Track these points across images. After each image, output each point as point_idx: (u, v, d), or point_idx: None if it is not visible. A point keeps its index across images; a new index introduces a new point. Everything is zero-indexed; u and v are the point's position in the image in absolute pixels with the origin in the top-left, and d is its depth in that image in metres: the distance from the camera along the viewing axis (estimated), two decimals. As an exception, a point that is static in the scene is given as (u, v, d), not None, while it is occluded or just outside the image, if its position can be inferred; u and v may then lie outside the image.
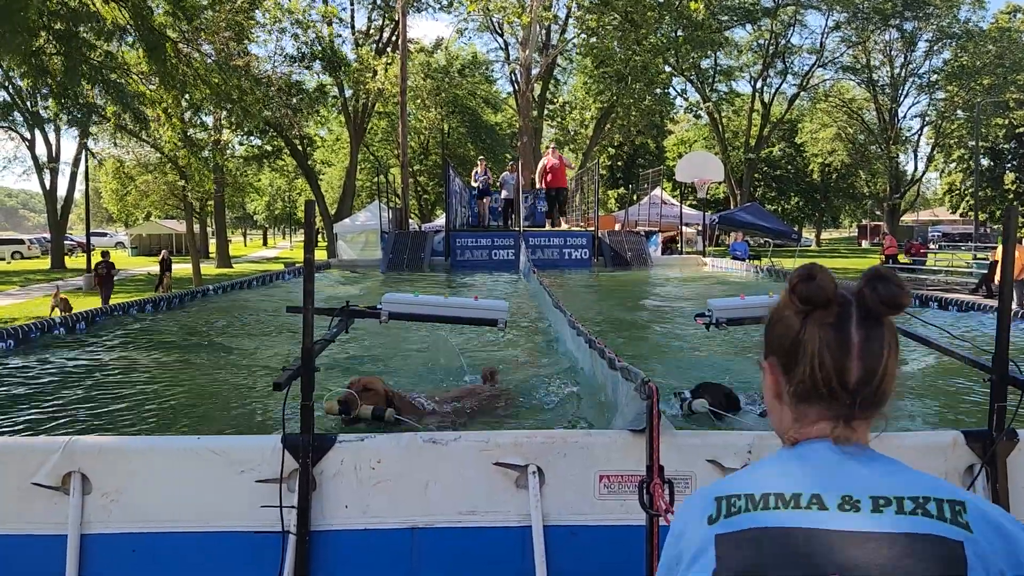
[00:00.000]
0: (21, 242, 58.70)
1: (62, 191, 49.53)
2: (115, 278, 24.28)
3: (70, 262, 47.19)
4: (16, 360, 5.96)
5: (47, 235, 51.92)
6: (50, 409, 4.66)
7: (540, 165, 21.69)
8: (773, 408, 1.30)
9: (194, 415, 4.62)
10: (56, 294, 21.11)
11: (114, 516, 2.75)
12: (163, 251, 29.53)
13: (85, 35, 17.15)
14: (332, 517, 2.77)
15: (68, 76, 16.80)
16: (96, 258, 25.69)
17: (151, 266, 35.53)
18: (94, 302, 20.73)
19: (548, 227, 21.28)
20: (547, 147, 25.47)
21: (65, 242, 50.29)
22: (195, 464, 2.79)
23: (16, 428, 4.29)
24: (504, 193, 22.38)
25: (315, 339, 2.89)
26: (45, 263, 46.68)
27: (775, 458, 1.24)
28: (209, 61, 21.51)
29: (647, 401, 2.69)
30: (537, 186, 22.29)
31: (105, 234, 73.64)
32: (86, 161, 33.65)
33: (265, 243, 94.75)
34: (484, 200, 22.73)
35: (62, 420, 4.45)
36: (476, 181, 22.82)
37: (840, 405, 1.18)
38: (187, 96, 22.30)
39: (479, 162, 24.13)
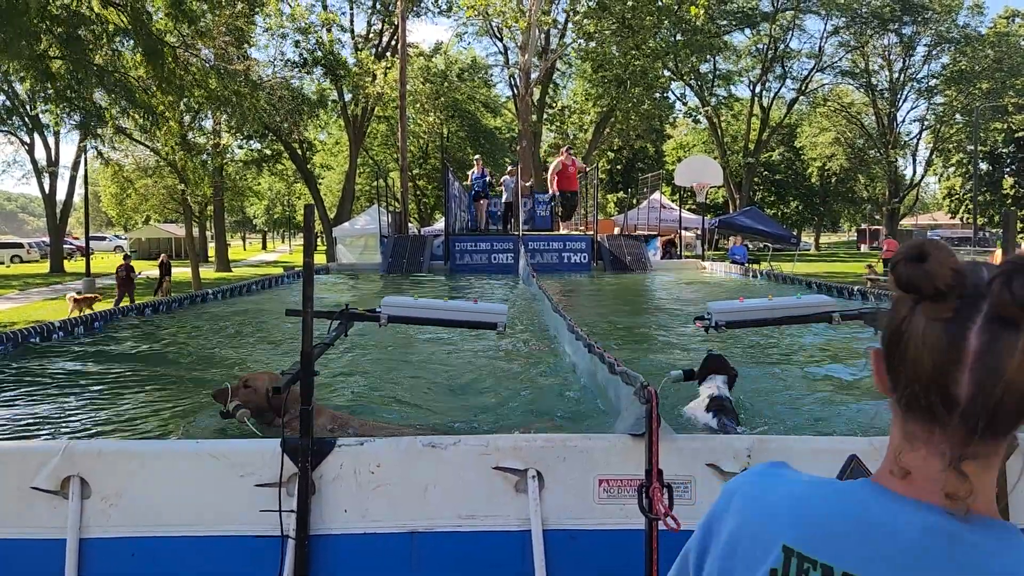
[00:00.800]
0: (20, 246, 58.62)
1: (61, 195, 49.57)
2: (134, 280, 24.54)
3: (69, 266, 47.15)
4: (15, 363, 5.96)
5: (46, 239, 51.87)
6: (49, 413, 4.66)
7: (553, 165, 21.44)
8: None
9: (193, 419, 4.61)
10: (71, 298, 21.38)
11: (113, 520, 2.75)
12: (162, 255, 29.51)
13: (86, 38, 17.16)
14: (331, 521, 2.77)
15: (76, 78, 16.83)
16: (115, 260, 25.94)
17: (151, 270, 35.52)
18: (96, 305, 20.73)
19: (564, 230, 21.26)
20: (561, 149, 25.02)
21: (65, 246, 50.27)
22: (194, 468, 2.79)
23: (15, 432, 4.28)
24: (505, 196, 22.32)
25: (314, 343, 2.89)
26: (44, 267, 46.62)
27: (869, 497, 0.97)
28: (207, 65, 21.53)
29: (646, 405, 2.69)
30: (550, 188, 21.96)
31: (104, 238, 73.58)
32: (85, 165, 33.64)
33: (264, 247, 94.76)
34: (482, 202, 22.46)
35: (61, 424, 4.44)
36: (473, 181, 22.42)
37: (945, 428, 0.90)
38: (185, 99, 22.33)
39: (476, 161, 23.48)
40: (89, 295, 22.22)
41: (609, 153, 56.20)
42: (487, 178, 22.77)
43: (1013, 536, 0.92)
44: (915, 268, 0.91)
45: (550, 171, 21.62)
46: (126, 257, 24.82)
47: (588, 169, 22.90)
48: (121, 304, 19.41)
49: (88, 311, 15.26)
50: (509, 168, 23.52)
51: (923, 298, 0.91)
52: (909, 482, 0.95)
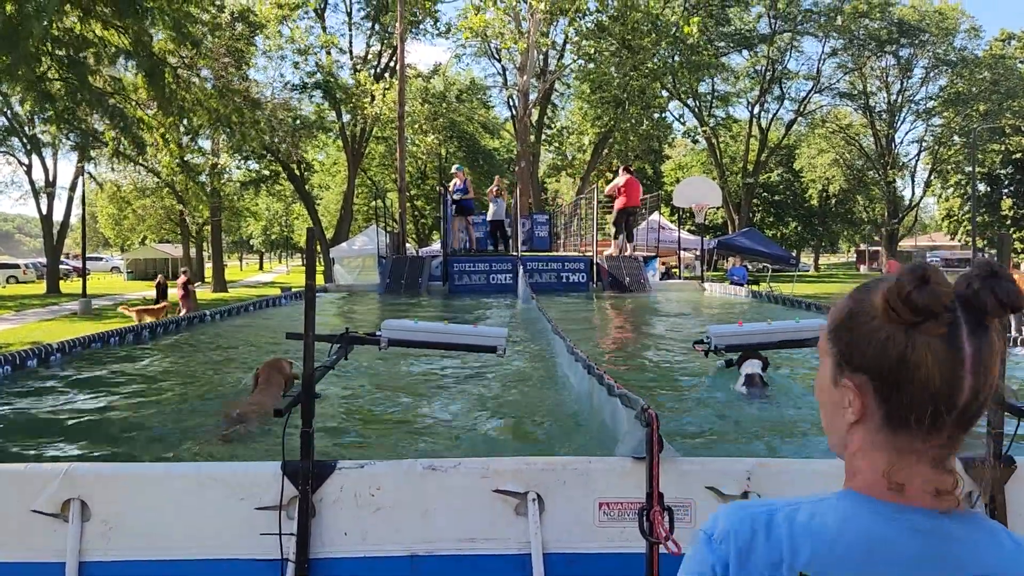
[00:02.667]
0: (16, 266, 58.46)
1: (58, 215, 49.54)
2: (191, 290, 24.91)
3: (65, 287, 46.99)
4: (16, 385, 5.95)
5: (43, 259, 51.72)
6: (50, 435, 4.65)
7: (623, 182, 20.08)
8: (838, 431, 1.10)
9: (193, 442, 4.60)
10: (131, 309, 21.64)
11: (113, 543, 2.74)
12: (159, 276, 29.50)
13: (87, 60, 17.26)
14: (331, 544, 2.77)
15: (71, 99, 16.94)
16: (112, 281, 26.14)
17: (147, 290, 35.50)
18: (87, 327, 20.71)
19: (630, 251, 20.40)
20: (621, 168, 23.32)
21: (61, 266, 50.18)
22: (195, 491, 2.79)
23: (16, 454, 4.27)
24: (491, 214, 22.06)
25: (315, 365, 2.90)
26: (40, 287, 46.48)
27: (868, 515, 1.03)
28: (208, 86, 21.65)
29: (647, 428, 2.69)
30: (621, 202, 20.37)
31: (101, 258, 73.56)
32: (83, 186, 33.66)
33: (261, 267, 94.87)
34: (466, 219, 21.23)
35: (62, 446, 4.43)
36: (455, 193, 20.41)
37: (938, 435, 1.00)
38: (185, 121, 22.42)
39: (457, 173, 20.84)
40: (156, 305, 22.55)
41: (608, 174, 56.36)
42: (468, 192, 21.04)
43: (993, 528, 1.03)
44: (924, 292, 0.98)
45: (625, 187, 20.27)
46: (184, 271, 25.33)
47: (587, 190, 22.89)
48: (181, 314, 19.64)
49: (151, 318, 15.80)
50: (491, 187, 22.75)
51: (927, 319, 0.98)
52: (904, 494, 1.02)
